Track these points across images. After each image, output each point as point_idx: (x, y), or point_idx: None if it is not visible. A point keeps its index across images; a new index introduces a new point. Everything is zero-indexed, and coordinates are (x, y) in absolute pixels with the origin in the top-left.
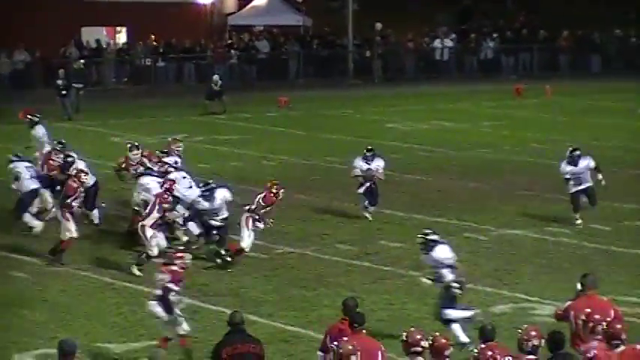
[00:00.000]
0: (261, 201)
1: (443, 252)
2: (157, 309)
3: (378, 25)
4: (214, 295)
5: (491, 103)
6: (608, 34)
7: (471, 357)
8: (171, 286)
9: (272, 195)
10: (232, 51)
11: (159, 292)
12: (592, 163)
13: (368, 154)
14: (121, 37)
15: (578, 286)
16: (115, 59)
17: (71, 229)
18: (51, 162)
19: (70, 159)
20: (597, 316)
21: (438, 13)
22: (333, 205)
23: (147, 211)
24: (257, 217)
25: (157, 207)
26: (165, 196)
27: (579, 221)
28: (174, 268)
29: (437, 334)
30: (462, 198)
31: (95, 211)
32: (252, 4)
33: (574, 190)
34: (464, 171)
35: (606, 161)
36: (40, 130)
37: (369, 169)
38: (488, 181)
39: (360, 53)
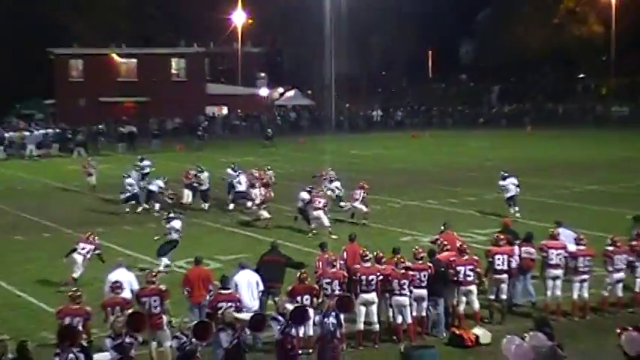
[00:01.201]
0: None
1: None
2: None
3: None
4: None
5: (399, 142)
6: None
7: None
8: None
9: None
10: (278, 117)
11: None
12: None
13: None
14: (224, 110)
15: (442, 227)
16: (222, 121)
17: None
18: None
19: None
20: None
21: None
22: None
23: None
24: None
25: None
26: None
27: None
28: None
29: None
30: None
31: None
32: (286, 95)
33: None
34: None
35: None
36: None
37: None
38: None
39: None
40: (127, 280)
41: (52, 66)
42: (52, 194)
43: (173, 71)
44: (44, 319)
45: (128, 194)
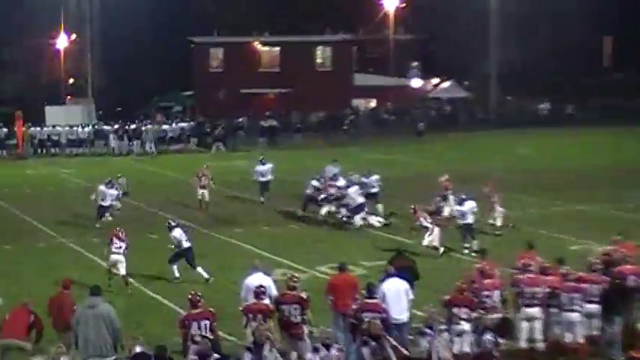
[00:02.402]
0: None
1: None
2: None
3: None
4: None
5: (571, 140)
6: None
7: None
8: None
9: None
10: (431, 110)
11: None
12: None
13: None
14: (372, 103)
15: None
16: (368, 115)
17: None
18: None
19: None
20: None
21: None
22: None
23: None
24: None
25: None
26: None
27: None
28: None
29: None
30: None
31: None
32: (441, 86)
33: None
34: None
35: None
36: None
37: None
38: None
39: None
40: (266, 284)
41: (191, 55)
42: (188, 191)
43: (318, 60)
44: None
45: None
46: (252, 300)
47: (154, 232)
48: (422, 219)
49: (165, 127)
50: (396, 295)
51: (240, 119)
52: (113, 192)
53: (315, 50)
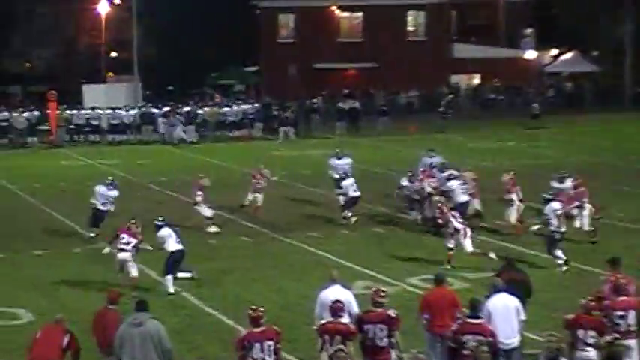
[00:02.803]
0: None
1: None
2: None
3: None
4: None
5: None
6: None
7: None
8: None
9: None
10: (549, 88)
11: None
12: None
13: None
14: (475, 79)
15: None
16: (471, 94)
17: None
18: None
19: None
20: None
21: None
22: None
23: None
24: None
25: None
26: None
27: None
28: None
29: None
30: None
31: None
32: (561, 58)
33: None
34: None
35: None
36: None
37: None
38: None
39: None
40: (345, 299)
41: (256, 24)
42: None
43: (409, 28)
44: None
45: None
46: (328, 318)
47: (214, 237)
48: (452, 220)
49: (224, 109)
50: (505, 315)
51: (315, 100)
52: (114, 194)
53: (405, 16)
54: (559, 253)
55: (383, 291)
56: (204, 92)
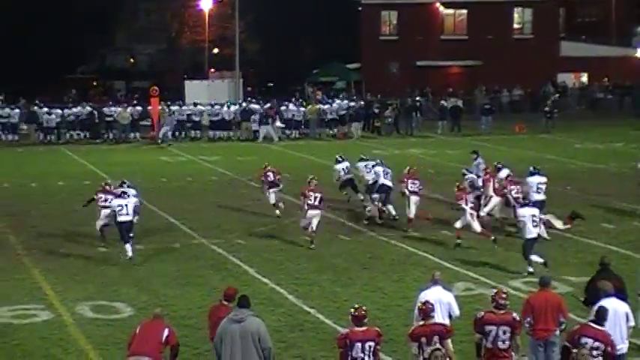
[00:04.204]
0: None
1: None
2: None
3: None
4: None
5: None
6: None
7: None
8: None
9: None
10: None
11: None
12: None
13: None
14: (583, 78)
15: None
16: (578, 94)
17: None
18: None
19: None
20: None
21: None
22: None
23: None
24: None
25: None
26: None
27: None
28: None
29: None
30: None
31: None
32: None
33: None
34: None
35: None
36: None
37: None
38: None
39: None
40: (446, 301)
41: (358, 20)
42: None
43: (515, 25)
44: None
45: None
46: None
47: (311, 235)
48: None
49: (325, 106)
50: (614, 320)
51: (417, 98)
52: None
53: (511, 13)
54: None
55: (505, 293)
56: (305, 89)
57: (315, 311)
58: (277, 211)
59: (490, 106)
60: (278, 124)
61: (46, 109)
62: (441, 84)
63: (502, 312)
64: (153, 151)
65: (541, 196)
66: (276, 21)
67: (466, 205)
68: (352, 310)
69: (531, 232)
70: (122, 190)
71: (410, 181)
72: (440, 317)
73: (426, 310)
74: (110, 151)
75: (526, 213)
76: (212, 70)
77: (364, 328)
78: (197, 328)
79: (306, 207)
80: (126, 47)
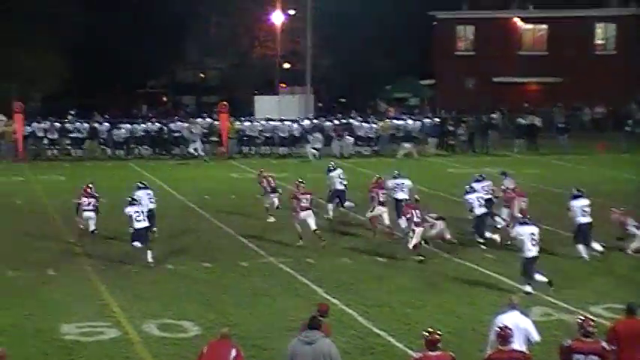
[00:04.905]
0: None
1: None
2: None
3: None
4: None
5: None
6: None
7: None
8: None
9: None
10: None
11: None
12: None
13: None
14: None
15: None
16: None
17: None
18: None
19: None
20: None
21: None
22: None
23: None
24: None
25: None
26: None
27: None
28: None
29: None
30: None
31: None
32: None
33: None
34: None
35: None
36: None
37: None
38: None
39: None
40: (523, 327)
41: (433, 35)
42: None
43: (597, 41)
44: None
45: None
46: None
47: (382, 255)
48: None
49: (399, 122)
50: None
51: (493, 115)
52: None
53: (593, 28)
54: None
55: (593, 320)
56: (378, 105)
57: (385, 334)
58: (272, 218)
59: (565, 124)
60: (347, 140)
61: (106, 125)
62: (518, 101)
63: (590, 340)
64: (221, 167)
65: (587, 219)
66: (348, 35)
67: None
68: (425, 333)
69: (530, 250)
70: (131, 197)
71: (379, 191)
72: (517, 343)
73: (505, 335)
74: (178, 167)
75: (525, 231)
76: (283, 85)
77: (438, 353)
78: (264, 349)
79: (298, 209)
80: (196, 62)
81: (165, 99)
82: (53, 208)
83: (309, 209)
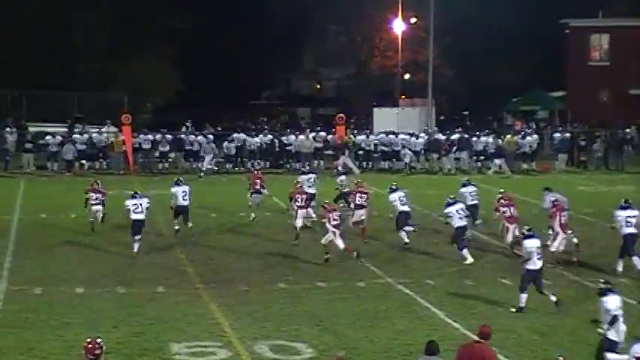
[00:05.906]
0: None
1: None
2: None
3: None
4: None
5: None
6: None
7: None
8: None
9: None
10: None
11: None
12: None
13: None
14: None
15: None
16: None
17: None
18: None
19: None
20: None
21: None
22: None
23: None
24: None
25: None
26: None
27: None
28: None
29: None
30: None
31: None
32: None
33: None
34: None
35: None
36: None
37: None
38: None
39: None
40: None
41: (564, 44)
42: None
43: None
44: None
45: None
46: None
47: (507, 277)
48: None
49: (527, 138)
50: None
51: (628, 130)
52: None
53: None
54: None
55: None
56: (505, 118)
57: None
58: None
59: None
60: (453, 155)
61: (192, 137)
62: None
63: None
64: (332, 183)
65: (631, 229)
66: (473, 45)
67: (329, 223)
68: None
69: (535, 264)
70: (135, 191)
71: (358, 195)
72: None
73: None
74: (292, 181)
75: (533, 245)
76: (402, 96)
77: None
78: None
79: (295, 207)
80: (313, 72)
81: (279, 110)
82: (164, 223)
83: (304, 207)
